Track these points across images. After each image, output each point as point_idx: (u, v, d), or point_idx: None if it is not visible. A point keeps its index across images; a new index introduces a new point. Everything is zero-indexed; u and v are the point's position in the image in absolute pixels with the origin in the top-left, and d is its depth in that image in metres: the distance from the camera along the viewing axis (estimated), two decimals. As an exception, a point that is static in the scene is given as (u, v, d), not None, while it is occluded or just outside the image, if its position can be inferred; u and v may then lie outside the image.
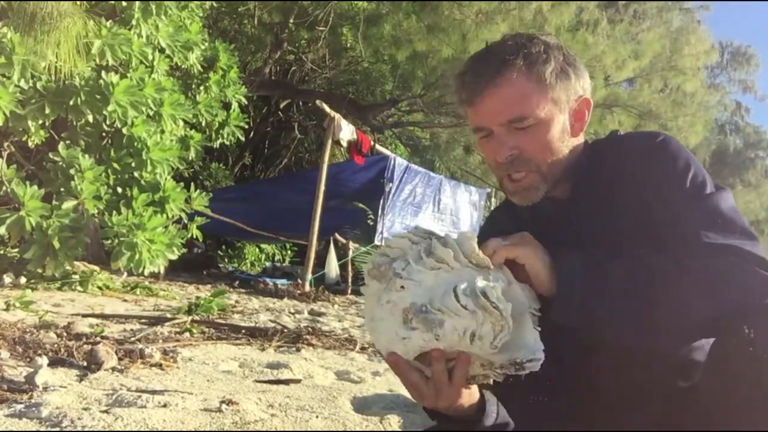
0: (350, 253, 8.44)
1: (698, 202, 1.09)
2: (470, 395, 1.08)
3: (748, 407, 0.96)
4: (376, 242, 8.55)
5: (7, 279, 4.98)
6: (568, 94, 1.15)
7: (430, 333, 0.95)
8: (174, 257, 5.36)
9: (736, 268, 1.01)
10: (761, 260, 1.02)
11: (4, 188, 4.76)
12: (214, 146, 7.90)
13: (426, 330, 0.95)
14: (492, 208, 13.31)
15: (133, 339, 3.24)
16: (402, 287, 0.97)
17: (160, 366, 2.74)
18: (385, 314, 0.98)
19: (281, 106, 14.14)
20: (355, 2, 11.27)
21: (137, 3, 5.56)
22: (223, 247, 12.64)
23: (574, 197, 1.21)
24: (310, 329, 4.21)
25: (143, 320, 4.00)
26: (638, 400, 1.15)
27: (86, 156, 5.10)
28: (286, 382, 2.73)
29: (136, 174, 5.47)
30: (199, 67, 6.70)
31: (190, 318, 4.12)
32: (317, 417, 2.19)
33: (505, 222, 1.30)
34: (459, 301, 0.95)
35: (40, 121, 5.03)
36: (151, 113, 5.62)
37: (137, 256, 4.97)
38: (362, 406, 2.45)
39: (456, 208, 11.13)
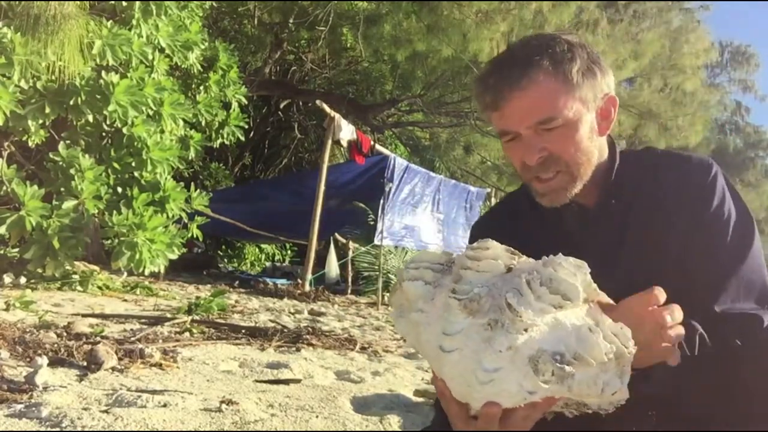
0: (350, 253, 8.44)
1: (732, 264, 1.09)
2: None
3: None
4: (376, 242, 8.55)
5: (7, 279, 4.98)
6: (595, 92, 1.13)
7: (563, 386, 0.78)
8: (174, 257, 5.36)
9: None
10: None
11: (4, 188, 4.76)
12: (214, 146, 7.91)
13: (558, 382, 0.78)
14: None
15: (133, 339, 3.24)
16: (525, 330, 0.78)
17: (160, 366, 2.74)
18: (504, 362, 0.78)
19: (281, 106, 14.13)
20: (355, 2, 11.27)
21: (137, 3, 5.57)
22: (223, 247, 12.65)
23: (602, 203, 1.18)
24: (310, 329, 4.20)
25: (143, 320, 3.99)
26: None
27: (86, 156, 5.11)
28: (286, 382, 2.73)
29: (136, 174, 5.47)
30: (199, 67, 6.71)
31: (190, 318, 4.12)
32: (317, 417, 2.19)
33: (505, 222, 1.29)
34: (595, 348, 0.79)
35: (40, 121, 5.03)
36: (151, 113, 5.63)
37: (137, 256, 4.97)
38: (362, 406, 2.45)
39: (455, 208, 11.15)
